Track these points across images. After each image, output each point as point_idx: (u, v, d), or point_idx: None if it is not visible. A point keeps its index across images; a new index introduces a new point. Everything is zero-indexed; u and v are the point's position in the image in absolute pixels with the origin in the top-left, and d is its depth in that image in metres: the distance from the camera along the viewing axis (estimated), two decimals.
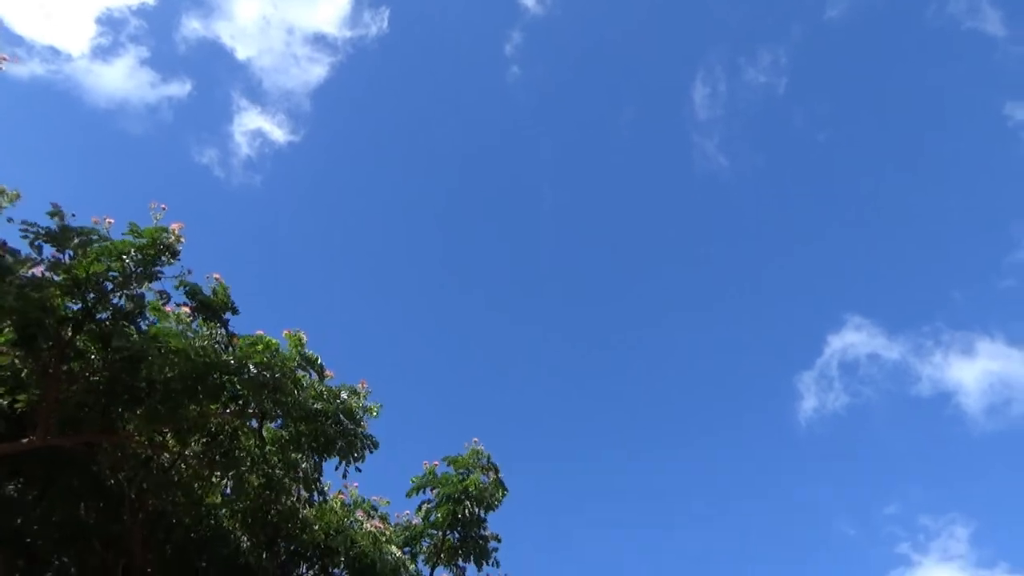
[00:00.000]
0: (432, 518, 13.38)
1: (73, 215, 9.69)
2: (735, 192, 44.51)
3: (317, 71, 40.60)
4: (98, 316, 9.80)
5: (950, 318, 41.51)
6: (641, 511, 41.33)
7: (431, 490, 13.45)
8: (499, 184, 44.85)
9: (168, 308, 9.56)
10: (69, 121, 37.93)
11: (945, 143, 42.88)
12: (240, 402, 10.03)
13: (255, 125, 39.77)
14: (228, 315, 9.95)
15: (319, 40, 40.39)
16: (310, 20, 41.45)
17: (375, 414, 10.86)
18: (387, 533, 13.06)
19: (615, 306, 46.18)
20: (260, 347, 9.44)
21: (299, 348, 10.00)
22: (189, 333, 9.32)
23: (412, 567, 13.41)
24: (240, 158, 39.46)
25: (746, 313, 45.99)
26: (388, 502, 13.98)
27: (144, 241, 9.76)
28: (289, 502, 11.62)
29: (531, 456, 40.97)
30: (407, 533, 13.75)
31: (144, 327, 9.80)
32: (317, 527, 12.19)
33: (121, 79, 37.65)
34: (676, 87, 44.17)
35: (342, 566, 12.56)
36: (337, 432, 10.40)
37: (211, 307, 9.89)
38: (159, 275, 9.66)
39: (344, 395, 10.52)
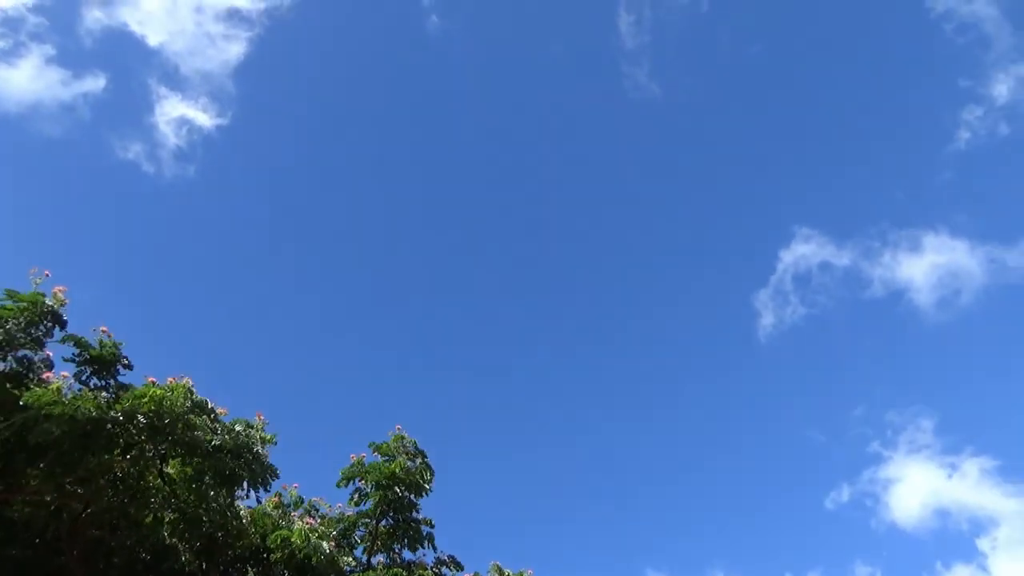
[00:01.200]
0: (364, 506, 13.60)
1: None
2: (671, 119, 45.44)
3: (235, 49, 40.01)
4: None
5: (895, 217, 43.48)
6: (615, 454, 42.33)
7: (360, 481, 13.66)
8: (430, 141, 45.20)
9: (48, 375, 9.88)
10: None
11: (871, 40, 44.05)
12: (138, 448, 10.47)
13: (178, 113, 38.97)
14: (119, 368, 10.34)
15: (232, 15, 39.77)
16: None
17: (273, 443, 11.37)
18: (319, 529, 13.53)
19: (561, 249, 47.24)
20: (145, 398, 9.84)
21: (187, 395, 10.41)
22: (71, 393, 9.67)
23: (348, 558, 13.79)
24: (168, 149, 38.79)
25: (694, 239, 47.29)
26: (324, 501, 14.28)
27: (23, 305, 10.10)
28: (218, 509, 11.92)
29: (503, 429, 41.80)
30: (341, 524, 13.94)
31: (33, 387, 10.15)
32: (252, 531, 12.58)
33: (29, 81, 36.51)
34: (601, 18, 44.38)
35: (281, 566, 13.06)
36: (237, 464, 10.91)
37: (101, 361, 10.27)
38: (42, 341, 10.00)
39: (239, 428, 11.01)
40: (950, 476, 39.24)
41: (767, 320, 42.46)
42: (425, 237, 45.10)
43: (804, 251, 42.12)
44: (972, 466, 38.63)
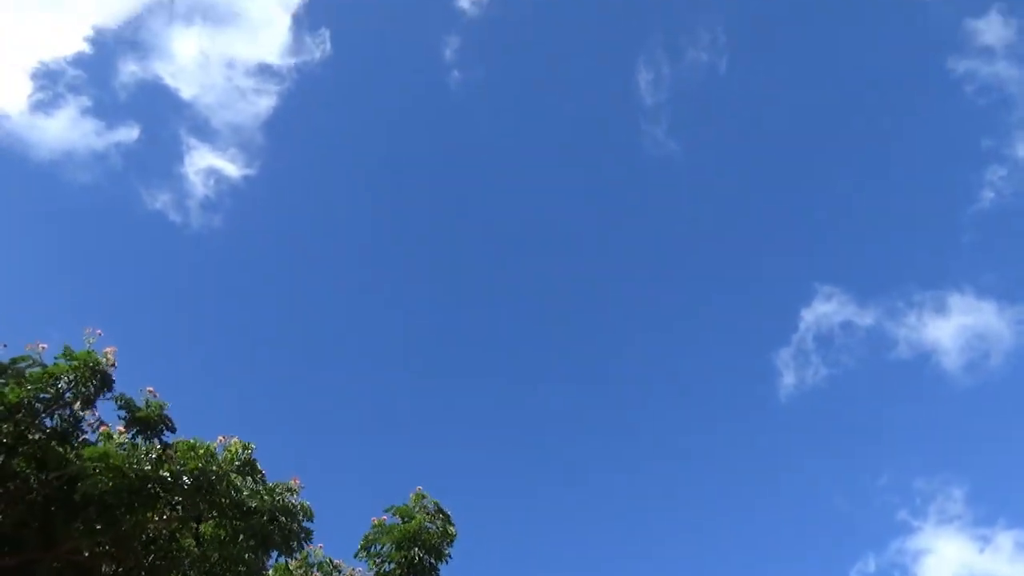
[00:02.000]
0: (387, 568, 13.18)
1: (4, 345, 10.24)
2: (690, 176, 45.35)
3: (264, 102, 40.59)
4: (32, 437, 10.26)
5: (919, 278, 42.36)
6: (634, 516, 41.37)
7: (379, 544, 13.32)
8: (450, 195, 45.57)
9: (105, 427, 10.10)
10: (12, 178, 37.16)
11: (892, 100, 44.53)
12: (176, 507, 10.59)
13: (207, 163, 39.35)
14: (164, 429, 10.55)
15: (263, 71, 40.51)
16: (251, 52, 41.45)
17: (310, 516, 11.49)
18: None
19: (583, 300, 46.48)
20: (201, 451, 10.07)
21: (236, 454, 10.63)
22: (125, 448, 9.88)
23: None
24: (196, 199, 39.13)
25: (715, 295, 46.44)
26: (344, 564, 14.13)
27: (77, 364, 10.35)
28: (247, 573, 11.81)
29: (512, 490, 41.13)
30: None
31: (78, 445, 10.32)
32: None
33: (63, 130, 37.16)
34: (619, 75, 44.90)
35: None
36: (273, 528, 11.02)
37: (147, 421, 10.49)
38: (91, 400, 10.24)
39: (277, 492, 11.18)
40: (982, 550, 37.34)
41: (788, 380, 41.22)
42: (442, 290, 45.22)
43: (826, 310, 41.20)
44: (1007, 539, 36.82)
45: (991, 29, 40.38)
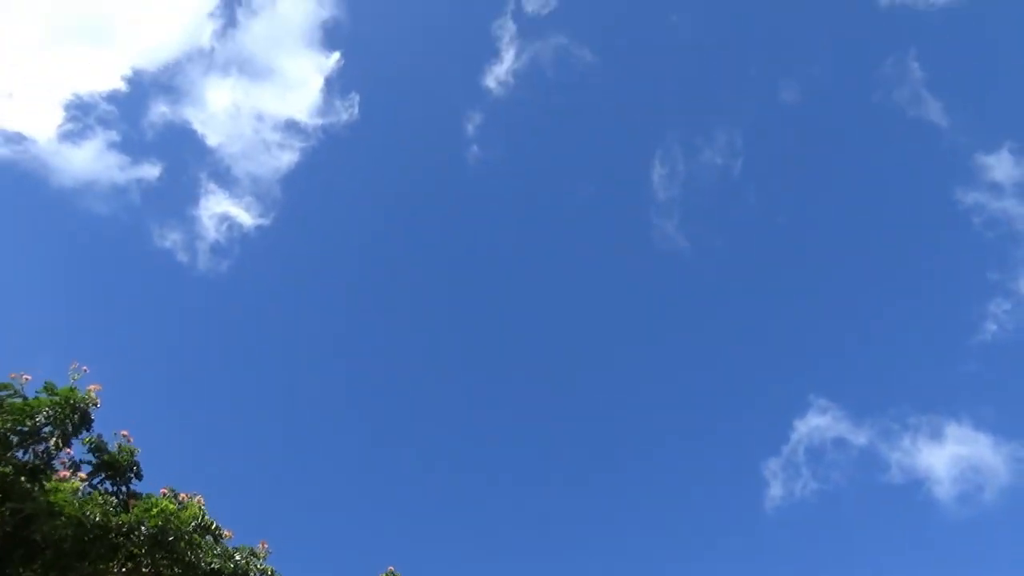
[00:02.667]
0: None
1: None
2: (696, 273, 45.54)
3: (287, 157, 41.94)
4: (1, 470, 10.10)
5: (916, 401, 41.67)
6: None
7: None
8: (458, 267, 45.96)
9: (64, 473, 9.87)
10: (31, 200, 38.85)
11: (900, 224, 44.61)
12: (135, 561, 10.20)
13: (222, 209, 40.56)
14: (131, 476, 10.28)
15: (290, 127, 41.97)
16: (281, 108, 43.00)
17: None
18: None
19: (576, 391, 46.11)
20: (155, 511, 9.71)
21: (196, 514, 10.26)
22: (84, 495, 9.61)
23: None
24: (207, 242, 40.10)
25: (708, 396, 45.87)
26: None
27: (57, 399, 10.22)
28: None
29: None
30: None
31: (46, 482, 10.09)
32: None
33: (89, 161, 38.82)
34: (635, 166, 45.68)
35: None
36: None
37: (115, 466, 10.24)
38: (68, 438, 10.06)
39: (238, 557, 10.72)
40: None
41: (776, 491, 40.21)
42: (437, 364, 45.00)
43: (819, 423, 40.53)
44: None
45: (1001, 166, 40.45)
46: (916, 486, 39.96)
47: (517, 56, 43.29)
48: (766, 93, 45.05)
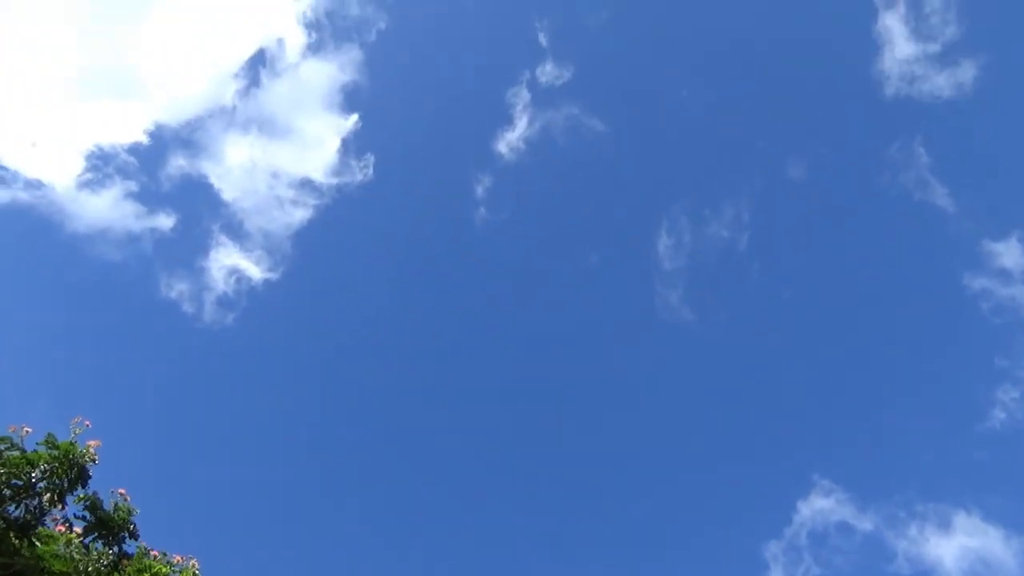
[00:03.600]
0: None
1: None
2: (699, 346, 44.70)
3: (300, 214, 42.41)
4: None
5: (924, 488, 39.86)
6: None
7: None
8: (461, 329, 45.28)
9: (61, 528, 9.59)
10: (47, 244, 39.37)
11: (908, 307, 44.01)
12: None
13: (232, 262, 40.74)
14: (126, 536, 9.98)
15: (305, 185, 42.58)
16: (297, 166, 43.76)
17: None
18: None
19: (572, 460, 44.40)
20: (148, 574, 9.39)
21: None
22: (76, 555, 9.29)
23: None
24: (214, 294, 40.13)
25: (711, 472, 44.10)
26: None
27: (56, 454, 10.02)
28: None
29: None
30: None
31: (36, 542, 9.78)
32: None
33: (106, 209, 39.45)
34: (641, 235, 45.48)
35: None
36: None
37: (109, 525, 9.95)
38: (63, 495, 9.82)
39: None
40: None
41: (776, 575, 38.69)
42: (439, 430, 44.15)
43: (823, 506, 38.97)
44: None
45: (1009, 253, 40.55)
46: None
47: (530, 123, 44.26)
48: (774, 169, 45.55)
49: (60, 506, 10.16)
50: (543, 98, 44.66)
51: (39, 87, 41.26)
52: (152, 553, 10.12)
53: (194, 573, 9.81)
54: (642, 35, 47.37)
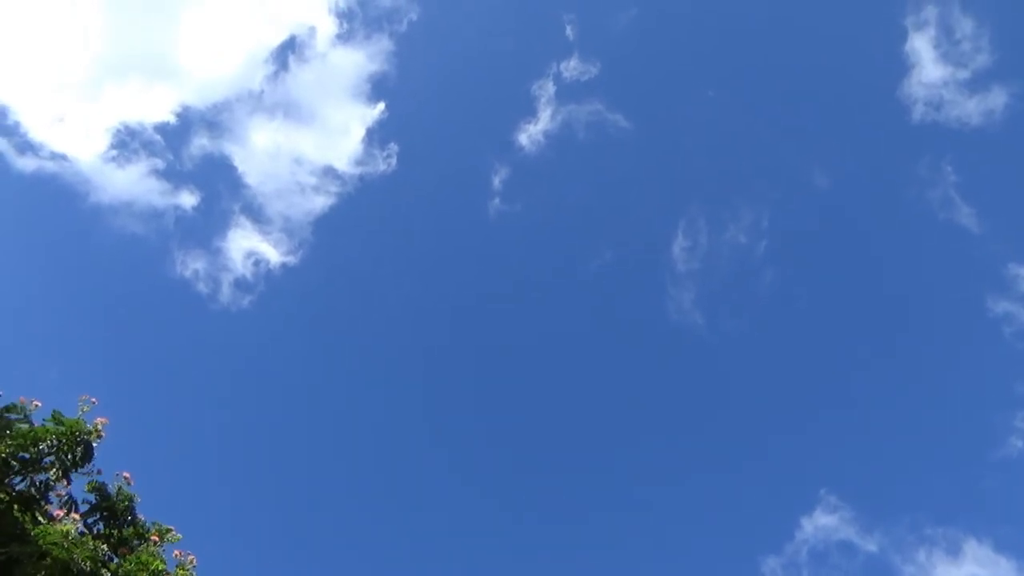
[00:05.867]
0: None
1: (0, 393, 9.87)
2: (709, 351, 44.11)
3: (321, 200, 42.47)
4: None
5: (933, 512, 39.13)
6: None
7: None
8: (470, 321, 45.20)
9: (60, 512, 9.49)
10: (69, 213, 40.13)
11: (928, 327, 43.17)
12: None
13: (251, 244, 41.16)
14: (127, 522, 9.88)
15: (328, 172, 42.58)
16: (321, 154, 43.73)
17: None
18: None
19: (572, 462, 44.37)
20: (144, 573, 9.28)
21: (185, 573, 9.83)
22: (74, 543, 9.18)
23: None
24: (231, 275, 40.53)
25: (714, 480, 43.49)
26: None
27: (63, 430, 9.85)
28: None
29: None
30: None
31: (39, 518, 9.71)
32: None
33: (130, 184, 40.07)
34: (657, 235, 44.99)
35: None
36: None
37: (111, 510, 9.85)
38: (68, 471, 9.69)
39: None
40: None
41: None
42: (446, 418, 44.26)
43: (827, 523, 38.20)
44: None
45: None
46: None
47: (552, 117, 43.68)
48: (798, 177, 44.48)
49: (65, 483, 10.07)
50: (567, 93, 43.98)
51: (66, 65, 41.35)
52: (152, 537, 10.03)
53: (191, 572, 9.73)
54: (671, 35, 46.49)
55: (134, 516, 10.02)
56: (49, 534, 9.03)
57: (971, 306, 41.24)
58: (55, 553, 9.01)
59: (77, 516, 9.58)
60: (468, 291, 45.17)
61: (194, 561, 9.93)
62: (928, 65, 41.20)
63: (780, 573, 38.14)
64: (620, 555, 41.72)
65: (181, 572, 9.66)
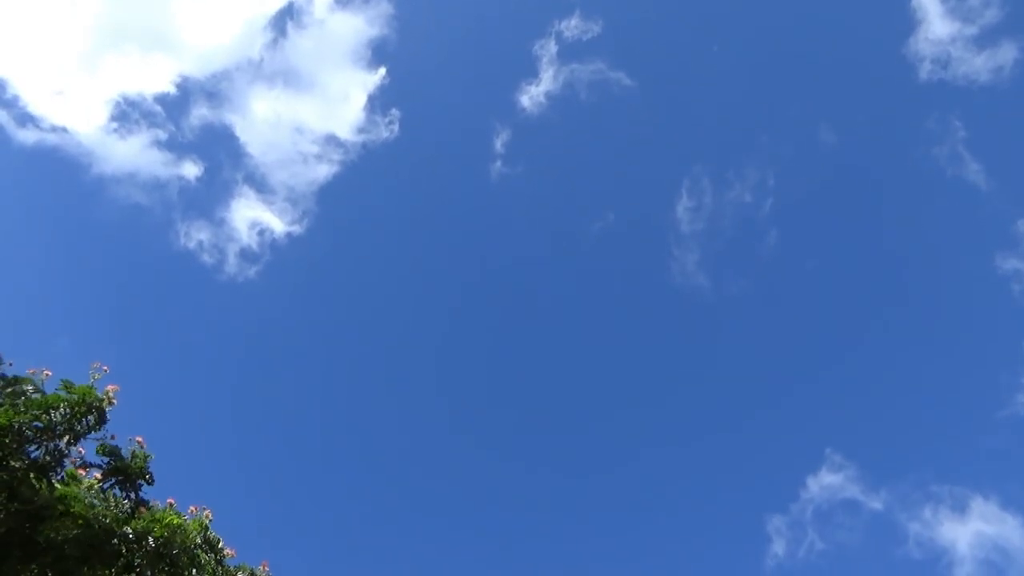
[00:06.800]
0: None
1: (10, 364, 10.08)
2: (714, 312, 44.15)
3: (323, 169, 42.49)
4: (13, 464, 9.92)
5: (940, 469, 39.27)
6: None
7: None
8: (474, 286, 45.57)
9: (81, 471, 9.70)
10: (72, 185, 40.08)
11: (936, 285, 43.19)
12: (136, 570, 9.96)
13: (255, 214, 41.13)
14: (143, 484, 10.10)
15: (330, 141, 42.50)
16: (322, 122, 43.96)
17: None
18: None
19: (583, 430, 44.70)
20: (163, 523, 9.51)
21: (202, 529, 10.05)
22: (96, 500, 9.41)
23: None
24: (237, 245, 40.54)
25: (719, 441, 44.03)
26: None
27: (75, 398, 10.08)
28: None
29: None
30: None
31: (56, 484, 9.90)
32: None
33: (133, 155, 40.05)
34: (661, 196, 44.82)
35: None
36: None
37: (126, 472, 10.05)
38: (80, 436, 9.89)
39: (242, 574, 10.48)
40: None
41: (779, 548, 37.98)
42: (450, 383, 44.42)
43: (833, 482, 38.26)
44: None
45: None
46: (934, 560, 37.46)
47: (554, 77, 43.46)
48: (803, 134, 44.11)
49: (78, 448, 10.27)
50: (569, 52, 43.82)
51: (65, 38, 41.04)
52: (168, 501, 10.25)
53: (205, 525, 9.95)
54: None
55: (150, 478, 10.21)
56: (73, 483, 9.27)
57: (979, 263, 41.41)
58: (76, 508, 9.25)
59: (98, 476, 9.79)
60: (472, 254, 45.51)
61: (210, 516, 10.16)
62: (935, 21, 41.19)
63: (785, 532, 38.24)
64: (628, 515, 42.09)
65: (197, 524, 9.87)
